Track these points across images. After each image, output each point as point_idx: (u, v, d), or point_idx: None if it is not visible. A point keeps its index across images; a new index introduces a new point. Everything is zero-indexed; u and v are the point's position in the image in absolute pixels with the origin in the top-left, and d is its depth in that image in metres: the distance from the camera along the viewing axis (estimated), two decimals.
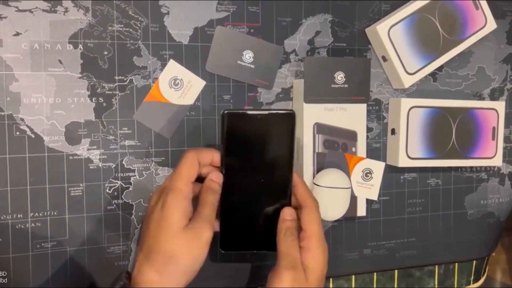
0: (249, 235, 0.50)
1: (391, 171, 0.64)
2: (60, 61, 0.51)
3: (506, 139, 0.69)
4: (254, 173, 0.48)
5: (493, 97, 0.68)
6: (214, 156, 0.48)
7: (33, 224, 0.51)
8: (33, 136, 0.51)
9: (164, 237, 0.44)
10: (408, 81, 0.61)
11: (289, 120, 0.47)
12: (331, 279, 0.64)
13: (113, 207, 0.54)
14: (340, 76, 0.57)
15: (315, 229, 0.47)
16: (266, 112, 0.47)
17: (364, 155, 0.60)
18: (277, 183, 0.49)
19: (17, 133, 0.50)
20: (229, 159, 0.47)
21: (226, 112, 0.46)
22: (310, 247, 0.47)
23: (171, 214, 0.44)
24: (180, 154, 0.48)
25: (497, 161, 0.66)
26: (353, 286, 0.65)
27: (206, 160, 0.48)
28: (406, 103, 0.61)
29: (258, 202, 0.49)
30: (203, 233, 0.44)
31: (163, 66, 0.55)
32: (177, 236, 0.44)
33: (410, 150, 0.61)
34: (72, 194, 0.52)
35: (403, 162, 0.61)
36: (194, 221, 0.45)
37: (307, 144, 0.57)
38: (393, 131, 0.62)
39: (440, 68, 0.64)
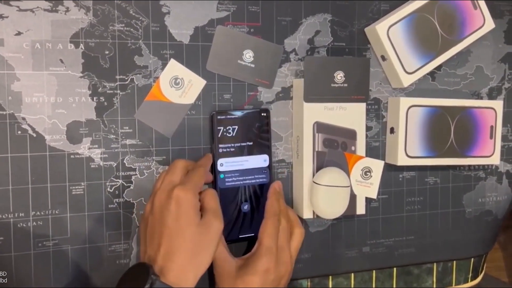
0: (243, 224, 0.57)
1: (390, 169, 0.64)
2: (61, 61, 0.51)
3: (504, 138, 0.69)
4: (242, 162, 0.56)
5: (491, 96, 0.69)
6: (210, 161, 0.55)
7: (34, 223, 0.52)
8: (34, 135, 0.51)
9: (188, 233, 0.46)
10: (407, 80, 0.61)
11: (265, 115, 0.57)
12: (330, 277, 0.64)
13: (114, 205, 0.54)
14: (339, 76, 0.58)
15: (263, 237, 0.53)
16: (247, 110, 0.57)
17: (364, 154, 0.60)
18: (259, 168, 0.57)
19: (19, 132, 0.50)
20: (221, 153, 0.55)
21: (214, 112, 0.55)
22: (256, 249, 0.53)
23: (190, 210, 0.47)
24: (180, 154, 0.54)
25: (495, 159, 0.66)
26: (352, 283, 0.66)
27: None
28: (405, 102, 0.61)
29: (246, 190, 0.57)
30: (218, 224, 0.49)
31: (164, 65, 0.55)
32: (197, 229, 0.47)
33: (409, 148, 0.62)
34: (73, 193, 0.53)
35: (402, 160, 0.62)
36: (206, 215, 0.49)
37: (307, 143, 0.57)
38: (392, 130, 0.63)
39: (438, 67, 0.65)
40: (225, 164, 0.56)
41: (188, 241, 0.46)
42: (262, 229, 0.54)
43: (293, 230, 0.56)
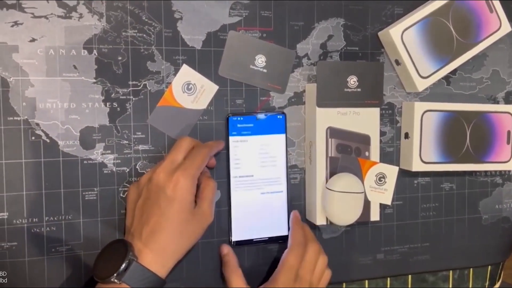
0: (256, 225, 0.57)
1: (405, 175, 0.63)
2: (74, 67, 0.52)
3: None
4: (257, 165, 0.57)
5: (508, 100, 0.68)
6: (220, 147, 0.55)
7: (48, 228, 0.52)
8: (48, 140, 0.51)
9: (178, 218, 0.47)
10: (421, 85, 0.60)
11: (281, 119, 0.57)
12: (344, 284, 0.64)
13: None
14: (353, 80, 0.57)
15: (286, 257, 0.54)
16: (263, 113, 0.57)
17: (378, 160, 0.59)
18: (275, 171, 0.57)
19: (33, 138, 0.51)
20: (234, 154, 0.56)
21: (229, 115, 0.56)
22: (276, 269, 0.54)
23: (186, 197, 0.47)
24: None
25: None
26: None
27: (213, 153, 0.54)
28: (420, 106, 0.61)
29: (261, 191, 0.57)
30: (209, 217, 0.50)
31: (176, 71, 0.55)
32: (188, 217, 0.48)
33: (423, 154, 0.61)
34: (86, 198, 0.53)
35: (417, 166, 0.61)
36: (200, 205, 0.49)
37: (320, 148, 0.57)
38: (406, 135, 0.62)
39: (453, 72, 0.64)
40: (240, 168, 0.56)
41: (175, 226, 0.47)
42: (286, 254, 0.54)
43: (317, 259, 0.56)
